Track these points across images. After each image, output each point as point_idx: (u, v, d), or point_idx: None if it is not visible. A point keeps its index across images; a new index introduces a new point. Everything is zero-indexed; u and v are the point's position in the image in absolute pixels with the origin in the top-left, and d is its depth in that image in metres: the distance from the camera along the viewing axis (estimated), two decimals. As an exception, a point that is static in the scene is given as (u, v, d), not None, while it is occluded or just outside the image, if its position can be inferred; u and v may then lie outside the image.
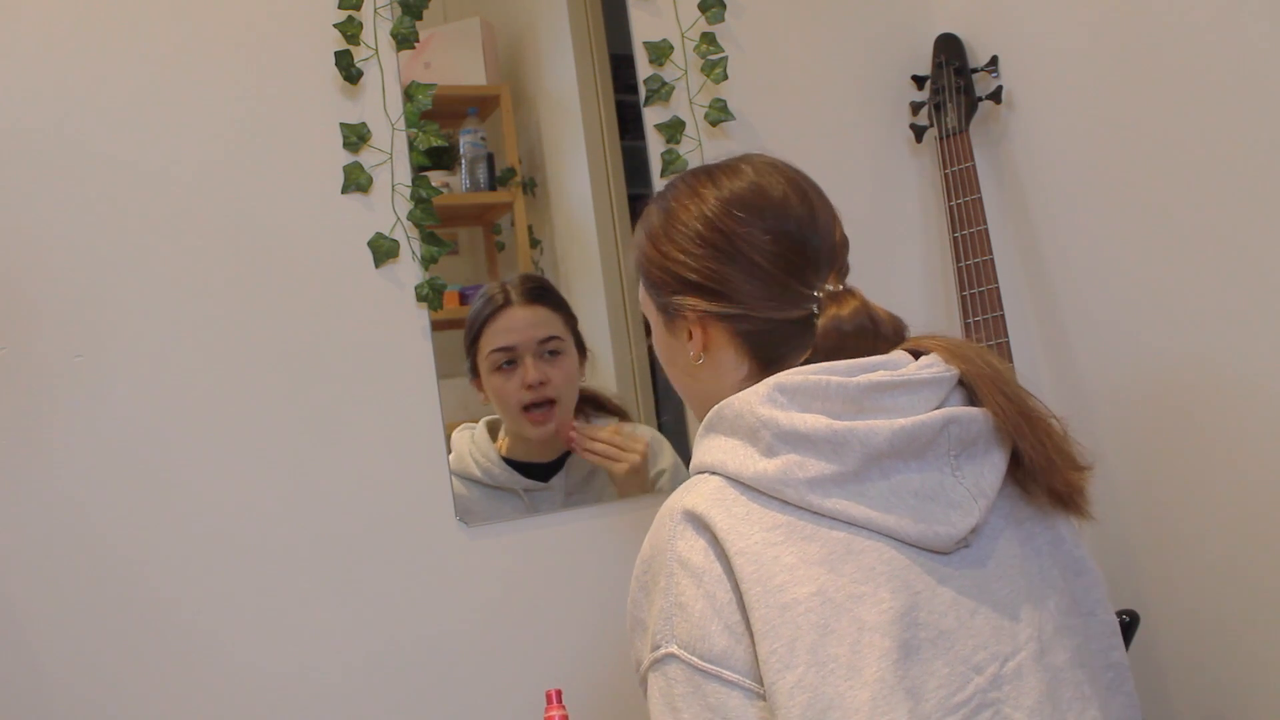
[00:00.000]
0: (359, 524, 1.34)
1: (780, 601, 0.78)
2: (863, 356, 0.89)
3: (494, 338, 1.43)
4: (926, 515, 0.83)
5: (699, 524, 0.83)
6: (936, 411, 0.86)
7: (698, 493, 0.85)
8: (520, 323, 1.43)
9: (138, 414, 1.26)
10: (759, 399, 0.85)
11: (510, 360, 1.43)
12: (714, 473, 0.86)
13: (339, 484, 1.33)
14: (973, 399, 0.90)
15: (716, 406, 0.88)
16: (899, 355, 0.90)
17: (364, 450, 1.35)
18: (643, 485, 1.48)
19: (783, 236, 0.91)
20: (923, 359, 0.90)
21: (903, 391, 0.86)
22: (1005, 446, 0.89)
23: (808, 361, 0.90)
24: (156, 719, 1.23)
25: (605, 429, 1.46)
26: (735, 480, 0.84)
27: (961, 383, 0.90)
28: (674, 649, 0.81)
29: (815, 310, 0.91)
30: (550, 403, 1.44)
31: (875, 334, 0.91)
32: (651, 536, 0.87)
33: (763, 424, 0.83)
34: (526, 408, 1.43)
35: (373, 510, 1.35)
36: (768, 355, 0.93)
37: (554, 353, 1.45)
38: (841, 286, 0.92)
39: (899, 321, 0.94)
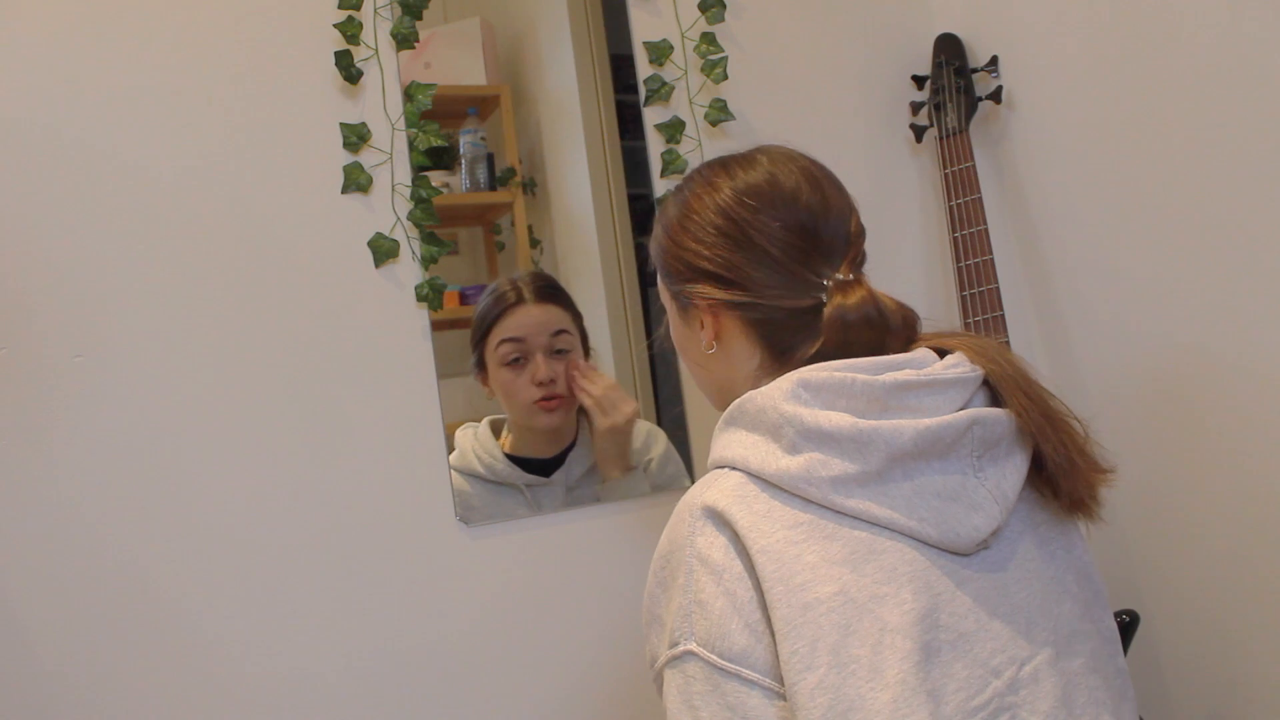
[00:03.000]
0: (359, 524, 1.34)
1: (802, 601, 0.78)
2: (869, 346, 0.89)
3: (505, 332, 1.43)
4: (948, 517, 0.82)
5: (720, 520, 0.82)
6: (962, 412, 0.85)
7: (718, 488, 0.84)
8: (533, 319, 1.44)
9: (138, 414, 1.26)
10: (783, 395, 0.84)
11: (520, 356, 1.43)
12: (734, 468, 0.85)
13: (339, 484, 1.33)
14: (996, 399, 0.89)
15: (738, 400, 0.88)
16: (923, 354, 0.90)
17: (364, 450, 1.35)
18: (621, 450, 1.48)
19: (794, 225, 0.91)
20: (948, 358, 0.89)
21: (928, 391, 0.85)
22: (1027, 449, 0.88)
23: (819, 351, 0.90)
24: (157, 719, 1.23)
25: (603, 381, 1.47)
26: (756, 476, 0.83)
27: (985, 383, 0.89)
28: (693, 646, 0.80)
29: (824, 299, 0.91)
30: (560, 396, 1.45)
31: (883, 325, 0.90)
32: (669, 531, 0.86)
33: (786, 421, 0.83)
34: (537, 400, 1.44)
35: (372, 510, 1.35)
36: (780, 345, 0.92)
37: (563, 350, 1.46)
38: (851, 276, 0.92)
39: (909, 312, 0.93)
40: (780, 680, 0.78)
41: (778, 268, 0.91)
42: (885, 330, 0.90)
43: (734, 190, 0.93)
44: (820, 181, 0.95)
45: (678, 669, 0.81)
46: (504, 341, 1.43)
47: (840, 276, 0.91)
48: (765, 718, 0.78)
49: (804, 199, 0.92)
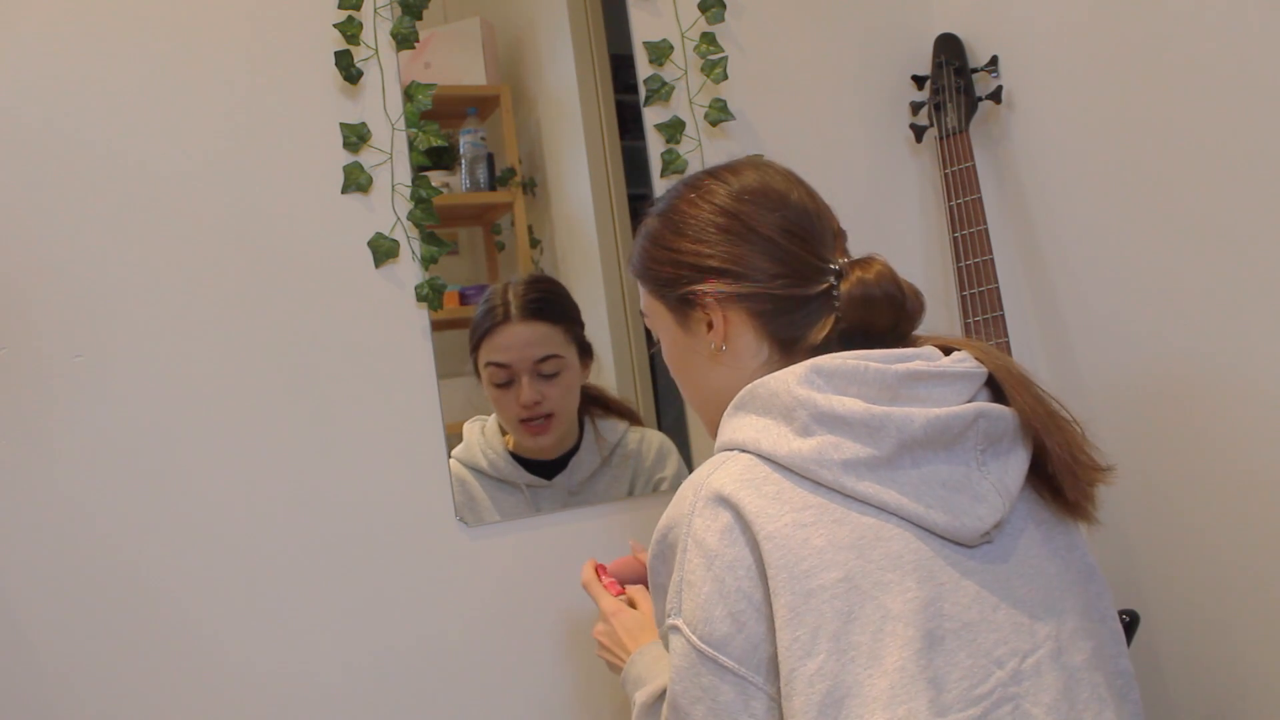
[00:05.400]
0: (358, 524, 1.34)
1: (806, 588, 0.79)
2: (888, 325, 0.91)
3: (491, 353, 1.42)
4: (954, 506, 0.83)
5: (725, 504, 0.83)
6: (969, 404, 0.87)
7: (726, 471, 0.84)
8: (518, 341, 1.42)
9: (138, 414, 1.26)
10: (796, 379, 0.85)
11: (508, 379, 1.43)
12: (744, 450, 0.86)
13: (339, 484, 1.33)
14: (998, 397, 0.91)
15: (749, 386, 0.89)
16: (930, 349, 0.91)
17: (364, 450, 1.35)
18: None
19: (791, 221, 0.94)
20: (955, 354, 0.91)
21: (938, 382, 0.87)
22: (1028, 446, 0.90)
23: (828, 335, 0.91)
24: (156, 717, 1.23)
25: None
26: (768, 459, 0.84)
27: (989, 382, 0.91)
28: (679, 622, 0.83)
29: (834, 281, 0.92)
30: (548, 416, 1.44)
31: (901, 303, 0.92)
32: (671, 508, 0.87)
33: (799, 404, 0.84)
34: (524, 420, 1.44)
35: (372, 510, 1.35)
36: (787, 334, 0.93)
37: (550, 373, 1.43)
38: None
39: (921, 296, 0.95)
40: (758, 670, 0.80)
41: (784, 255, 0.93)
42: (902, 310, 0.92)
43: (730, 191, 0.96)
44: (805, 185, 0.98)
45: (671, 638, 0.85)
46: (489, 365, 1.42)
47: (845, 260, 0.94)
48: (733, 705, 0.80)
49: (794, 198, 0.95)
